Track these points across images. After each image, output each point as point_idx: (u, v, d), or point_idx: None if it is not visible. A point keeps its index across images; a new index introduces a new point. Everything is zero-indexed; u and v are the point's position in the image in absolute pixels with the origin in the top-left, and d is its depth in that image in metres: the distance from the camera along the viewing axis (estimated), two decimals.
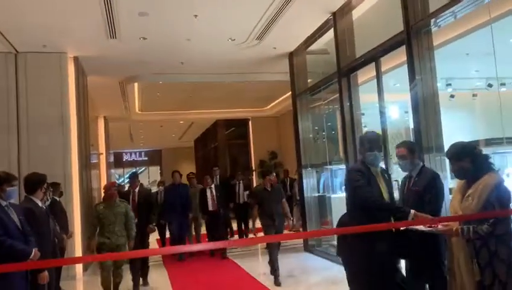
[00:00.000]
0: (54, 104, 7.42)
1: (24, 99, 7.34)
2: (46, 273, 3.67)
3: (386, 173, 3.68)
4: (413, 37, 5.02)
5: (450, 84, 7.05)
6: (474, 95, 7.39)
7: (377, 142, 3.51)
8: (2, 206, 3.64)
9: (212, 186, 8.50)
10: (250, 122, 16.94)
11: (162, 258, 8.28)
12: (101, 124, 14.02)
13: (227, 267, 7.52)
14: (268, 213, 6.22)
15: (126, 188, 8.70)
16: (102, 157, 13.82)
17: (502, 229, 2.60)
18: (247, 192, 10.13)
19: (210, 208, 8.35)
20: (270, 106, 15.29)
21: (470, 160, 2.79)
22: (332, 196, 7.74)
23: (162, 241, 9.32)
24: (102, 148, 13.98)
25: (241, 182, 10.52)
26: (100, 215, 5.28)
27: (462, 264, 2.68)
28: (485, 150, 3.06)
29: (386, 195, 3.44)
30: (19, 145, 7.26)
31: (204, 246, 4.94)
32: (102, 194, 5.93)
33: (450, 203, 2.95)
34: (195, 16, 6.39)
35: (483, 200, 2.65)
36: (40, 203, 4.06)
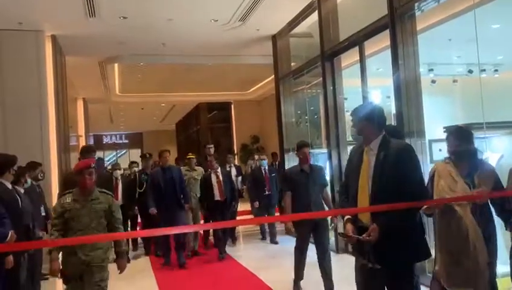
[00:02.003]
0: (31, 84, 7.20)
1: (0, 78, 7.10)
2: (11, 257, 3.59)
3: None
4: (397, 21, 5.00)
5: (432, 70, 7.08)
6: (454, 81, 7.44)
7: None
8: None
9: (219, 170, 6.89)
10: (232, 106, 16.86)
11: (151, 262, 6.93)
12: (80, 105, 13.77)
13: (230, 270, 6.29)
14: (304, 204, 4.59)
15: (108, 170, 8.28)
16: (82, 140, 13.60)
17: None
18: (240, 178, 8.97)
19: (216, 197, 6.72)
20: (252, 89, 15.21)
21: (473, 147, 2.94)
22: None
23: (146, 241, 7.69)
24: (81, 130, 13.76)
25: (232, 166, 8.84)
26: (66, 214, 3.42)
27: (478, 244, 2.80)
28: None
29: None
30: None
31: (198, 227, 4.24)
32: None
33: (440, 186, 2.98)
34: None
35: (491, 185, 2.88)
36: (9, 186, 3.92)
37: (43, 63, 7.36)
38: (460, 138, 2.92)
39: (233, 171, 8.48)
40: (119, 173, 7.35)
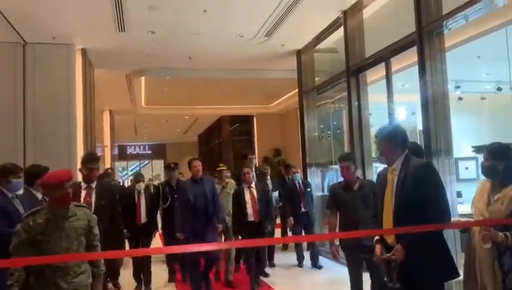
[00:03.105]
0: (61, 96, 7.41)
1: (31, 90, 7.33)
2: None
3: None
4: (425, 39, 4.98)
5: (459, 87, 7.00)
6: (482, 98, 7.34)
7: None
8: (8, 198, 3.65)
9: (253, 184, 5.70)
10: (254, 119, 16.91)
11: None
12: (106, 116, 14.05)
13: None
14: (350, 224, 4.03)
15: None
16: (107, 150, 13.86)
17: None
18: (277, 193, 7.41)
19: (250, 217, 5.49)
20: (275, 103, 15.25)
21: (505, 163, 2.74)
22: None
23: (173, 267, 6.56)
24: (107, 141, 14.03)
25: (268, 178, 7.43)
26: (37, 237, 2.74)
27: (484, 266, 2.64)
28: None
29: None
30: (24, 136, 7.26)
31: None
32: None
33: (473, 203, 2.90)
34: (205, 11, 6.35)
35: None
36: (39, 196, 3.89)
37: (73, 75, 7.57)
38: (491, 154, 2.83)
39: (269, 185, 7.24)
40: (142, 186, 6.04)
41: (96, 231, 3.02)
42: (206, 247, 3.88)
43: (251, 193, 5.61)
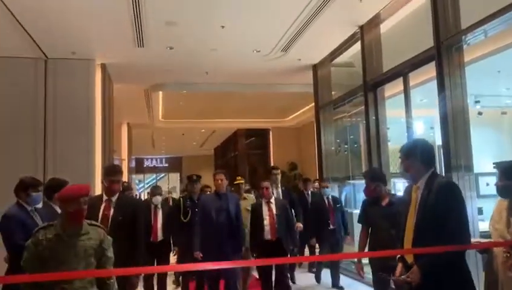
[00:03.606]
0: (81, 110, 7.54)
1: (51, 104, 7.48)
2: None
3: None
4: (444, 53, 4.93)
5: (478, 101, 6.90)
6: (503, 113, 7.21)
7: None
8: (27, 211, 3.69)
9: (272, 200, 5.31)
10: (270, 133, 16.92)
11: None
12: (124, 130, 14.23)
13: None
14: (377, 243, 3.94)
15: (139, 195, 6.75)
16: (125, 163, 14.00)
17: None
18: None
19: (266, 236, 5.10)
20: (291, 117, 15.25)
21: None
22: (354, 211, 7.60)
23: None
24: (124, 154, 14.18)
25: (309, 192, 7.39)
26: (44, 252, 2.63)
27: (506, 286, 2.56)
28: None
29: None
30: (45, 149, 7.39)
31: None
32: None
33: (491, 223, 2.82)
34: (223, 26, 6.42)
35: None
36: (59, 210, 3.96)
37: (93, 90, 7.71)
38: (503, 174, 2.76)
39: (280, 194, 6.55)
40: (159, 199, 5.69)
41: (110, 253, 2.83)
42: (215, 265, 3.81)
43: (270, 208, 5.22)
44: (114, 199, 3.77)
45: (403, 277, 2.59)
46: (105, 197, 3.76)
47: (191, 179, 6.00)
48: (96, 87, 7.80)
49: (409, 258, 2.68)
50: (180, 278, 6.49)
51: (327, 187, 6.90)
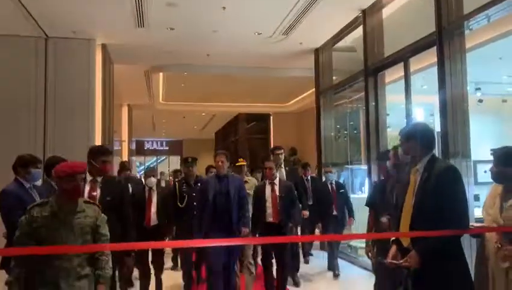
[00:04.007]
0: (81, 90, 7.53)
1: (52, 84, 7.48)
2: None
3: None
4: (445, 39, 4.90)
5: (479, 89, 6.87)
6: (504, 101, 7.19)
7: None
8: (25, 188, 3.71)
9: (276, 181, 5.09)
10: (271, 118, 16.90)
11: None
12: (124, 111, 14.22)
13: None
14: (380, 226, 3.79)
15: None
16: (125, 145, 14.02)
17: None
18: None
19: (268, 217, 4.94)
20: (292, 102, 15.21)
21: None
22: (352, 196, 7.65)
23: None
24: (124, 135, 14.20)
25: (309, 178, 7.18)
26: (41, 230, 2.60)
27: (498, 276, 2.58)
28: None
29: None
30: (45, 128, 7.40)
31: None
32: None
33: (484, 209, 2.83)
34: (224, 8, 6.38)
35: None
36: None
37: (93, 70, 7.69)
38: (499, 160, 2.76)
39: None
40: (153, 181, 5.24)
41: (105, 231, 2.82)
42: (216, 242, 3.81)
43: (273, 189, 4.99)
44: (99, 179, 3.63)
45: (401, 261, 2.58)
46: (89, 178, 3.59)
47: (186, 161, 5.66)
48: (96, 67, 7.78)
49: (405, 241, 2.68)
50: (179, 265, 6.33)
51: (331, 172, 6.73)
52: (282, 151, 6.17)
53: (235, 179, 4.86)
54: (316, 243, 8.00)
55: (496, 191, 2.79)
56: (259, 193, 5.06)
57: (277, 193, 4.97)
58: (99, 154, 3.64)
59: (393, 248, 2.75)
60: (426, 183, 2.60)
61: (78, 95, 7.53)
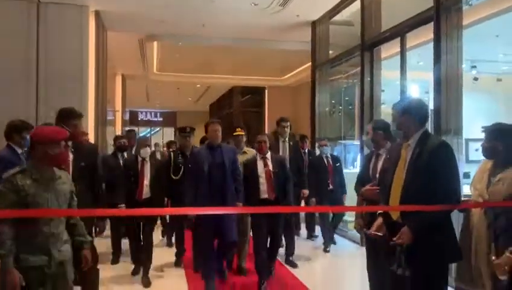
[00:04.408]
0: (73, 57, 7.40)
1: (44, 50, 7.33)
2: None
3: None
4: (443, 14, 4.84)
5: (475, 67, 6.86)
6: (498, 80, 7.18)
7: None
8: (18, 154, 3.71)
9: (268, 155, 4.72)
10: (266, 91, 16.82)
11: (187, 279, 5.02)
12: (118, 81, 14.09)
13: None
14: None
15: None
16: (118, 115, 13.96)
17: None
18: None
19: (263, 194, 4.59)
20: (287, 75, 15.12)
21: (506, 144, 2.68)
22: (344, 170, 7.70)
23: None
24: (118, 105, 14.11)
25: (306, 151, 6.86)
26: (27, 199, 2.51)
27: (480, 249, 2.64)
28: None
29: None
30: (37, 96, 7.31)
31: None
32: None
33: (472, 184, 2.87)
34: None
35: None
36: None
37: (86, 37, 7.54)
38: (492, 135, 2.77)
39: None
40: (148, 151, 4.94)
41: (75, 197, 2.81)
42: (213, 210, 3.71)
43: (266, 164, 4.65)
44: (70, 144, 3.46)
45: (394, 239, 2.61)
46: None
47: (183, 131, 5.33)
48: (89, 34, 7.63)
49: (394, 215, 2.72)
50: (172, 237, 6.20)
51: (326, 146, 6.49)
52: (289, 123, 5.78)
53: (229, 149, 4.59)
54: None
55: (486, 167, 2.82)
56: (251, 168, 4.67)
57: (270, 168, 4.64)
58: (71, 118, 3.45)
59: (379, 220, 2.81)
60: (418, 159, 2.61)
61: (71, 62, 7.40)
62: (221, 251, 4.56)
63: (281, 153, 5.37)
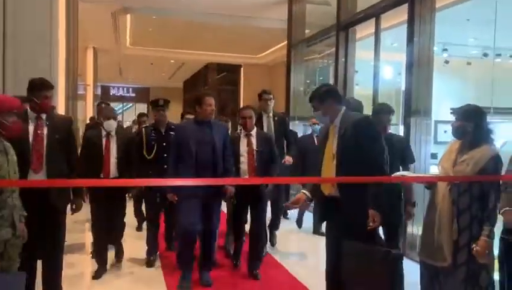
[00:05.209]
0: (42, 26, 7.10)
1: (12, 21, 7.01)
2: None
3: None
4: None
5: (446, 50, 7.00)
6: (468, 63, 7.36)
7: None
8: None
9: (253, 132, 4.26)
10: (242, 69, 16.71)
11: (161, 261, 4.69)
12: (90, 54, 13.72)
13: None
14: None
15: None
16: (90, 89, 13.64)
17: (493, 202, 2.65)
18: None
19: (243, 174, 4.19)
20: (263, 53, 15.04)
21: (475, 125, 2.76)
22: None
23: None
24: (90, 79, 13.77)
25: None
26: None
27: (443, 224, 2.75)
28: None
29: None
30: (4, 67, 7.02)
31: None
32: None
33: (439, 162, 2.98)
34: None
35: (479, 167, 2.66)
36: None
37: (56, 7, 7.25)
38: (462, 115, 2.86)
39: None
40: (113, 124, 4.28)
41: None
42: (196, 182, 3.25)
43: (249, 142, 4.19)
44: (44, 116, 3.29)
45: (371, 225, 2.82)
46: (33, 115, 3.24)
47: (156, 104, 4.68)
48: (59, 3, 7.35)
49: (326, 189, 2.98)
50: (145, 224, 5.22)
51: (317, 124, 5.60)
52: (272, 96, 5.18)
53: (220, 126, 4.11)
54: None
55: (453, 147, 2.92)
56: (232, 147, 4.14)
57: (254, 147, 4.17)
58: (42, 89, 3.27)
59: (300, 195, 3.07)
60: (345, 136, 2.87)
61: (39, 33, 7.12)
62: (205, 241, 4.03)
63: (265, 130, 4.90)
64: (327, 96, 2.97)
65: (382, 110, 3.76)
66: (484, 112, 2.85)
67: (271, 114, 5.14)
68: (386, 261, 2.66)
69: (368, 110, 3.99)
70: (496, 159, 2.70)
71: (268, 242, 5.04)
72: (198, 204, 3.78)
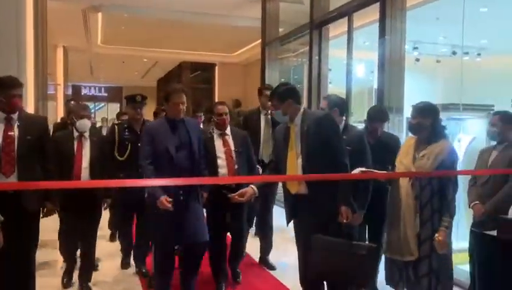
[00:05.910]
0: (8, 26, 6.90)
1: None
2: None
3: None
4: None
5: (416, 48, 7.13)
6: (438, 61, 7.52)
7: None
8: None
9: (228, 131, 3.85)
10: (216, 68, 16.64)
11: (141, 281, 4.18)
12: (60, 53, 13.42)
13: None
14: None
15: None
16: (60, 89, 13.33)
17: (450, 194, 2.77)
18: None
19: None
20: (238, 52, 15.02)
21: (432, 121, 2.85)
22: None
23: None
24: (60, 79, 13.46)
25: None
26: None
27: (407, 217, 2.82)
28: (442, 115, 3.13)
29: None
30: None
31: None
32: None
33: (397, 158, 3.03)
34: None
35: (438, 161, 2.76)
36: None
37: (23, 3, 7.04)
38: (418, 112, 2.93)
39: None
40: (88, 124, 3.81)
41: None
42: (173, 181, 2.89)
43: (225, 142, 3.77)
44: (15, 116, 3.11)
45: (349, 222, 2.93)
46: (2, 115, 3.07)
47: (133, 100, 4.21)
48: (26, 1, 7.14)
49: (293, 188, 3.00)
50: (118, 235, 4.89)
51: None
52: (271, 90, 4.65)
53: (192, 123, 3.57)
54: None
55: (409, 143, 2.99)
56: (206, 148, 3.66)
57: (231, 147, 3.76)
58: (8, 87, 3.08)
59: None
60: (307, 133, 2.92)
61: (5, 31, 6.90)
62: (191, 260, 3.46)
63: (262, 130, 4.54)
64: (286, 96, 3.00)
65: (376, 119, 3.72)
66: (438, 109, 2.96)
67: (269, 112, 4.54)
68: (354, 255, 2.71)
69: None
70: (453, 153, 2.86)
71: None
72: (182, 207, 3.24)
